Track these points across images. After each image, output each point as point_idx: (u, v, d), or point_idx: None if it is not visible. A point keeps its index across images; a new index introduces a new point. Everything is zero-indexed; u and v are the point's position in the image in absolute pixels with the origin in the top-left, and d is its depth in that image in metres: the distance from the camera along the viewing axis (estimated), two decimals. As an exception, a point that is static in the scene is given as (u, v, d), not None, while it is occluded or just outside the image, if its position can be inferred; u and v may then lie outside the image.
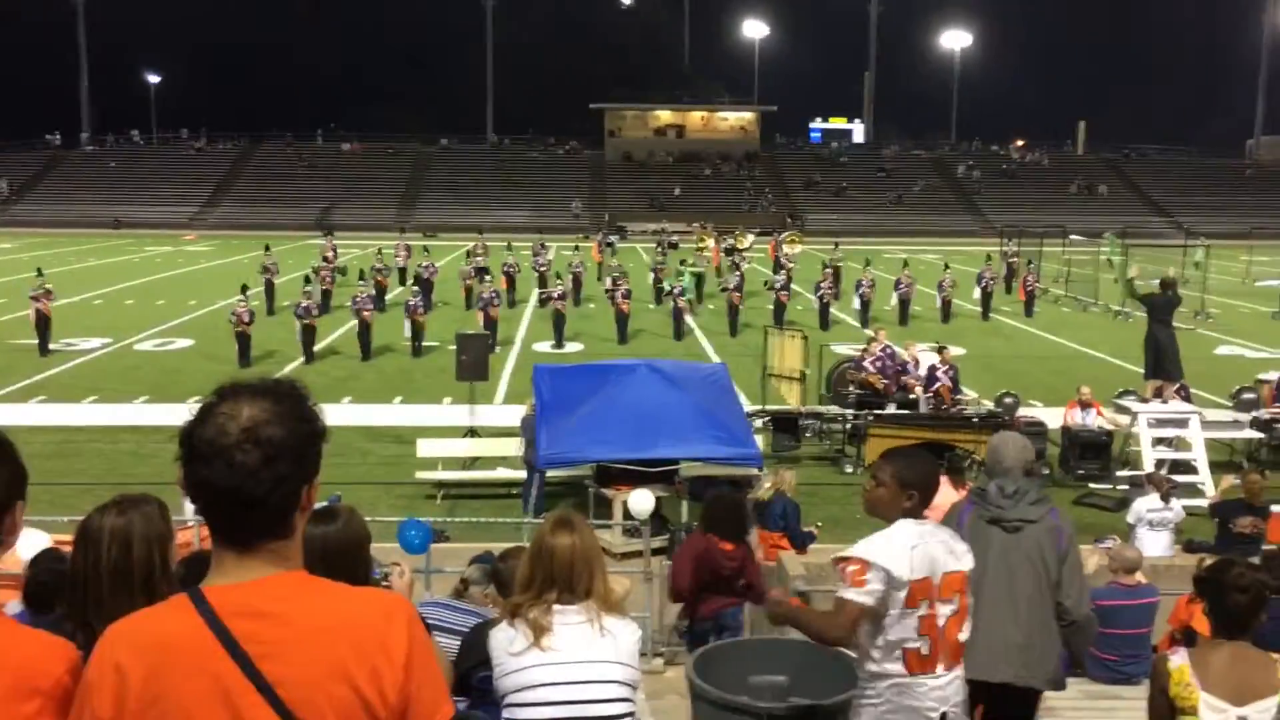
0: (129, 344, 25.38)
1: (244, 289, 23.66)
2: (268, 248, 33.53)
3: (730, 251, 40.19)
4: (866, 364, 17.01)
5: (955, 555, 4.03)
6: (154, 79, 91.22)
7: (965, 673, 4.15)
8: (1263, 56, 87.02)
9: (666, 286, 30.23)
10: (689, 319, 28.05)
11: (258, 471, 1.78)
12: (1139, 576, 7.58)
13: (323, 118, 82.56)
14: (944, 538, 4.06)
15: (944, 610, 3.94)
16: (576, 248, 37.00)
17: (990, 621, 4.42)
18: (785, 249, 39.90)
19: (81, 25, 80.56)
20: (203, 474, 1.80)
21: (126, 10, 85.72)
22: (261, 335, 23.92)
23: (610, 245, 45.28)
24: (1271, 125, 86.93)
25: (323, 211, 67.31)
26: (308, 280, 26.13)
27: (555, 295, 26.18)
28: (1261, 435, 15.82)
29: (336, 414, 17.85)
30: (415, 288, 27.09)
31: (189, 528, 9.19)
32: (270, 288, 30.47)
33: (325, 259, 35.16)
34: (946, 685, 3.98)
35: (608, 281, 29.56)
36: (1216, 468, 14.72)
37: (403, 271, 36.27)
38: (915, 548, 3.89)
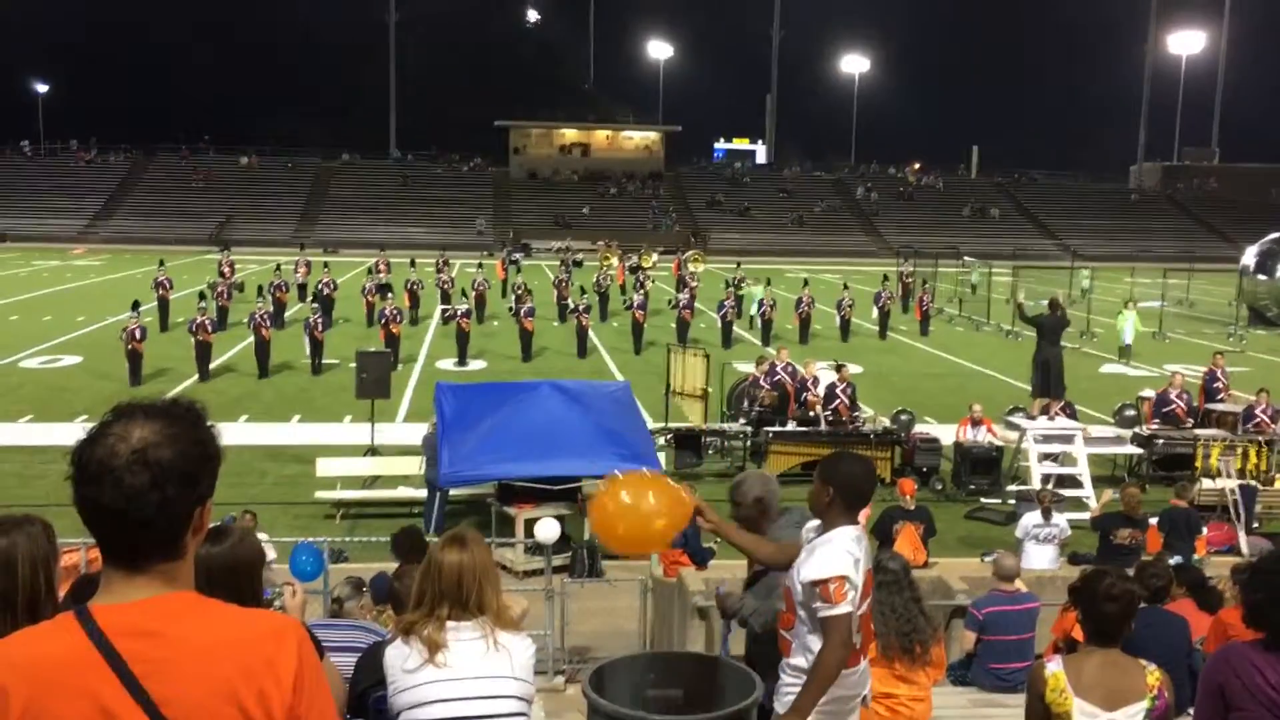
0: (14, 361, 24.49)
1: (136, 305, 23.04)
2: (162, 262, 32.79)
3: (634, 270, 40.43)
4: (763, 382, 17.31)
5: (868, 554, 4.32)
6: (42, 88, 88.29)
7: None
8: (1145, 87, 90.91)
9: (571, 304, 30.29)
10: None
11: (145, 493, 1.78)
12: (1019, 584, 7.86)
13: (220, 130, 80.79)
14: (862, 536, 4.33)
15: (864, 605, 4.21)
16: (480, 265, 36.85)
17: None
18: (689, 267, 40.34)
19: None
20: (91, 494, 1.79)
21: (12, 17, 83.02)
22: (155, 352, 23.32)
23: (515, 263, 45.19)
24: (1153, 152, 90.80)
25: (219, 226, 65.81)
26: (203, 296, 25.56)
27: (459, 313, 26.03)
28: (1141, 451, 16.44)
29: (233, 433, 17.49)
30: (315, 305, 26.67)
31: (75, 550, 8.94)
32: (164, 304, 29.71)
33: (222, 274, 34.48)
34: (864, 672, 4.31)
35: (512, 299, 29.47)
36: (1100, 482, 15.26)
37: (302, 288, 35.71)
38: (860, 552, 4.14)
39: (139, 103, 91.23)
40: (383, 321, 25.05)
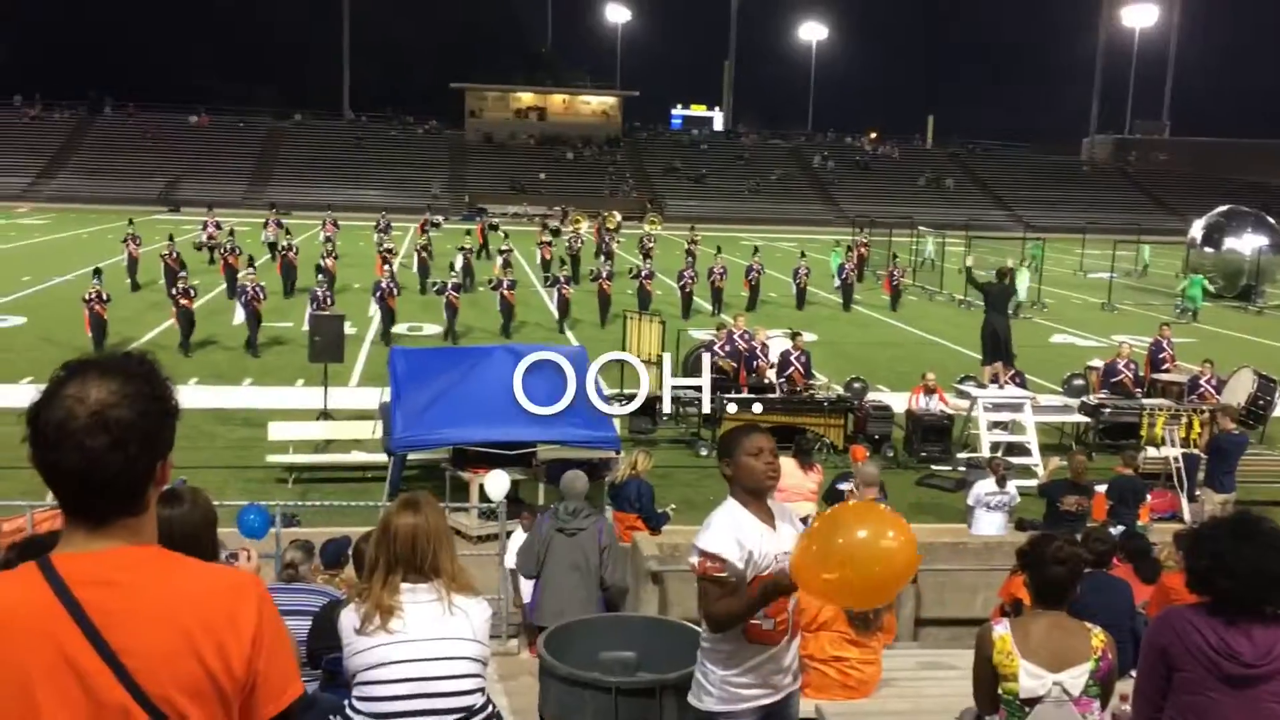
0: (-45, 321, 24.00)
1: (97, 272, 22.05)
2: (131, 221, 32.52)
3: (559, 232, 40.23)
4: (717, 349, 17.34)
5: None
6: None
7: (540, 620, 7.19)
8: (1098, 60, 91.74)
9: (551, 275, 30.07)
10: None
11: (106, 455, 1.76)
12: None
13: (169, 88, 79.09)
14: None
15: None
16: (468, 232, 36.65)
17: (560, 589, 7.38)
18: (646, 228, 40.29)
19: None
20: (50, 458, 1.77)
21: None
22: (120, 316, 22.96)
23: (436, 225, 44.41)
24: (1106, 125, 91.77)
25: (167, 185, 64.66)
26: (183, 265, 24.74)
27: (448, 285, 24.25)
28: (1088, 419, 16.69)
29: (182, 396, 17.11)
30: (321, 277, 24.18)
31: (19, 517, 8.84)
32: (133, 263, 29.25)
33: (210, 237, 34.16)
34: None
35: (498, 262, 29.20)
36: (1047, 450, 15.48)
37: (273, 246, 34.65)
38: None
39: (85, 59, 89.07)
40: (377, 295, 23.58)
